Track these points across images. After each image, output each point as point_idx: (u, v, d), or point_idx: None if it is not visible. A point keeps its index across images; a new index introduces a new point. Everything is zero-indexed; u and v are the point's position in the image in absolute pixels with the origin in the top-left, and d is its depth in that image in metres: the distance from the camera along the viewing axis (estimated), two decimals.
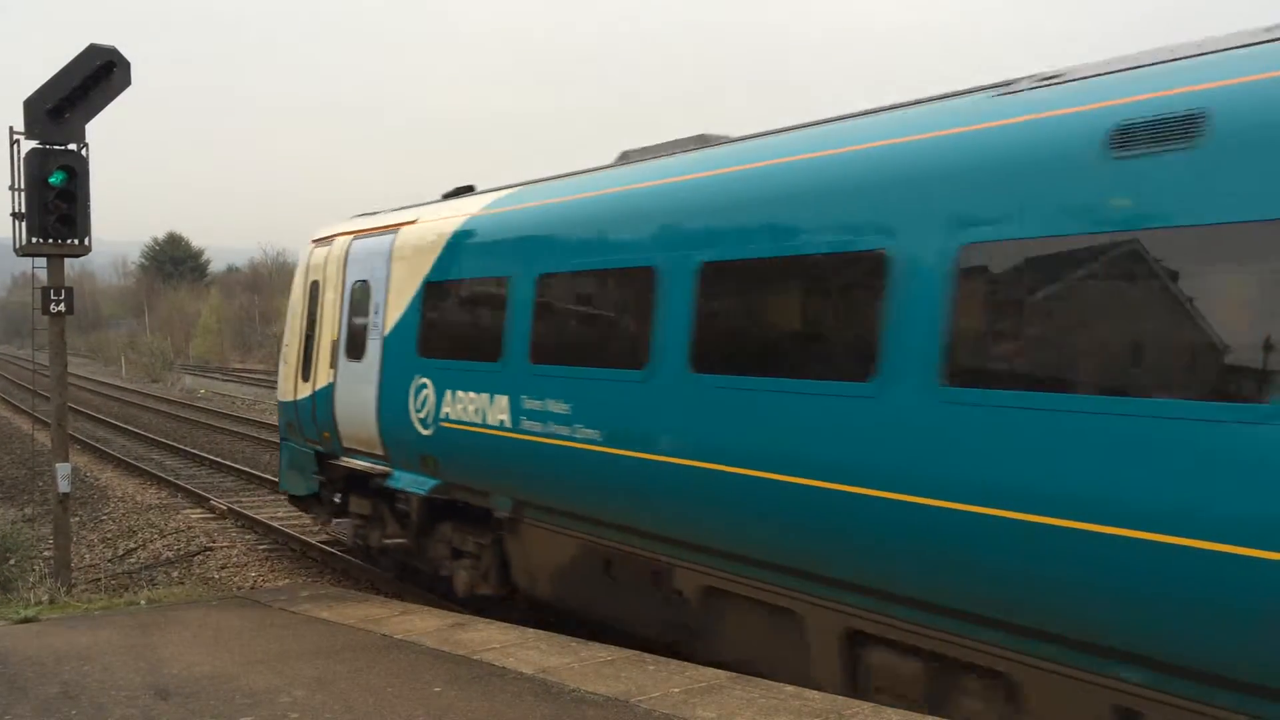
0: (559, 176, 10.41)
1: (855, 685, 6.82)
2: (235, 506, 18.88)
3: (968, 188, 5.99)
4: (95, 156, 12.63)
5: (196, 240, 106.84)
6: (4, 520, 15.29)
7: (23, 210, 12.46)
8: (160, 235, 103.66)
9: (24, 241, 12.61)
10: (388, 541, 12.18)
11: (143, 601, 11.23)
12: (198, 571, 15.78)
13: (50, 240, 12.52)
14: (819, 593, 6.87)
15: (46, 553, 15.06)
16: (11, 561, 13.97)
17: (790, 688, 6.57)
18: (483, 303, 10.50)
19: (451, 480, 10.81)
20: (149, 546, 17.56)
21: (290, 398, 14.33)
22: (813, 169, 7.15)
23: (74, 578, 13.72)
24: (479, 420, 10.10)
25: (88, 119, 12.58)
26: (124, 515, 20.28)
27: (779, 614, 7.29)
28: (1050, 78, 6.23)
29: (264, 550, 16.58)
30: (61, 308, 12.82)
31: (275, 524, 17.22)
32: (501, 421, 9.77)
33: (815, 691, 6.48)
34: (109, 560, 16.94)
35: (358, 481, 12.69)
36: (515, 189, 10.75)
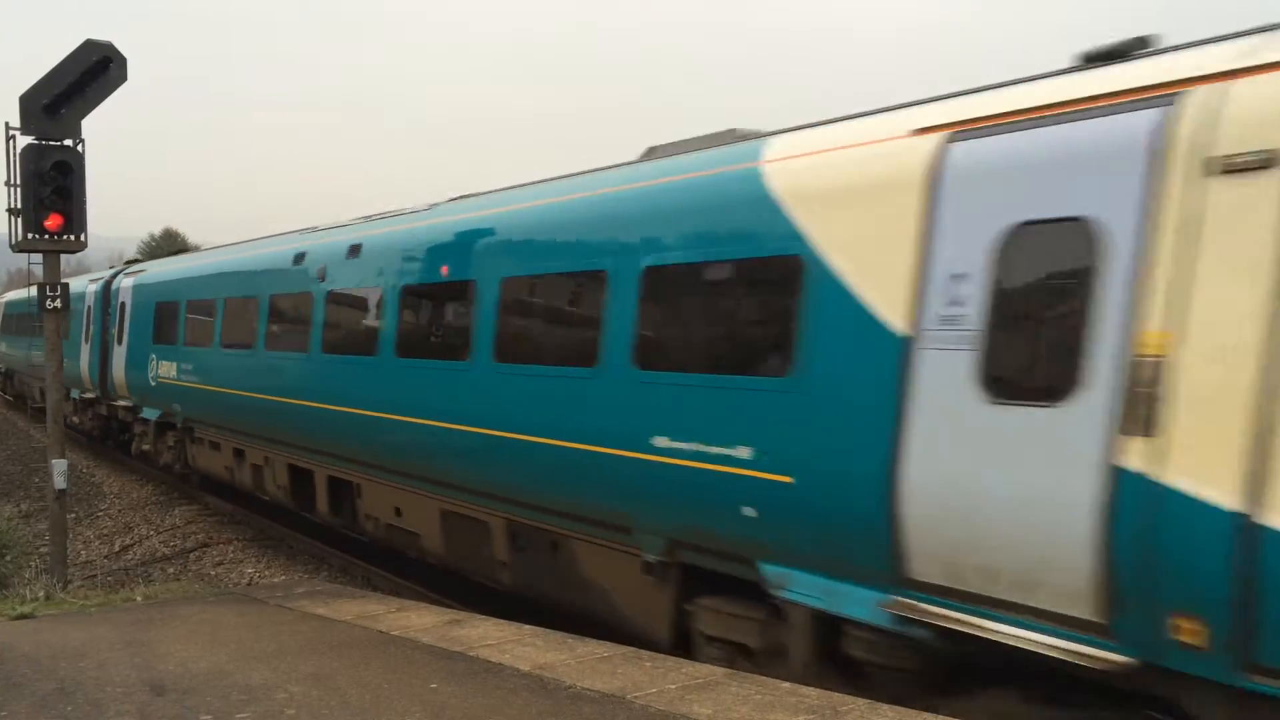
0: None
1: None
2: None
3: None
4: (91, 152, 12.60)
5: (193, 237, 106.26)
6: (0, 517, 15.27)
7: (19, 206, 12.43)
8: (157, 231, 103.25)
9: (20, 237, 12.59)
10: None
11: (139, 598, 11.22)
12: (194, 568, 15.80)
13: (46, 236, 12.49)
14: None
15: (43, 549, 15.06)
16: (8, 558, 13.94)
17: (786, 684, 6.58)
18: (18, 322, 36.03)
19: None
20: (145, 543, 17.58)
21: None
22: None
23: (70, 574, 13.70)
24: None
25: (84, 114, 12.52)
26: (120, 511, 20.29)
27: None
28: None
29: (260, 547, 16.59)
30: (57, 304, 12.80)
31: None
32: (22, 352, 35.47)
33: (811, 688, 6.49)
34: (105, 557, 16.94)
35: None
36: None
